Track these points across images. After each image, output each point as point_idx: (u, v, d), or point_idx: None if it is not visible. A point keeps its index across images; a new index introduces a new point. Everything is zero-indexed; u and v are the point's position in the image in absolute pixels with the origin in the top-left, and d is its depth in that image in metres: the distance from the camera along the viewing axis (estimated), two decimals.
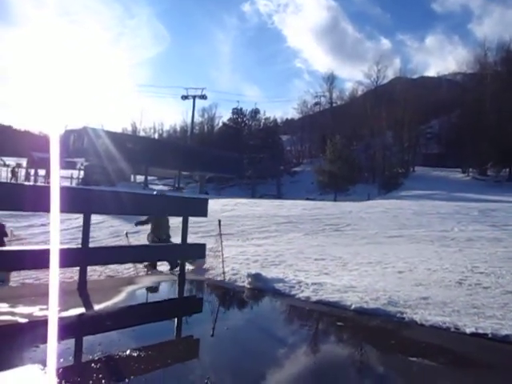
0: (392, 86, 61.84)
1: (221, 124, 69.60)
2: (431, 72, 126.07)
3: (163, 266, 7.98)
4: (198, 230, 12.22)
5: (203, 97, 55.58)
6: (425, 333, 4.19)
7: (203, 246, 6.37)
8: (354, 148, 56.41)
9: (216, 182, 52.94)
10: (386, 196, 37.35)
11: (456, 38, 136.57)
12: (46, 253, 3.81)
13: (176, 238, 8.96)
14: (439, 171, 51.64)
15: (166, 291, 5.99)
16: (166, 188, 44.43)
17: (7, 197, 4.34)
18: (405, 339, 4.16)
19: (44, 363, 2.75)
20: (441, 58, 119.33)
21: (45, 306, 3.82)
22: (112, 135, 38.04)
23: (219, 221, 7.48)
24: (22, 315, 3.73)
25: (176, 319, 4.59)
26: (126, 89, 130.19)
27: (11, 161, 41.45)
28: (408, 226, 14.60)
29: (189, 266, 7.76)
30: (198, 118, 68.51)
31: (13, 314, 3.76)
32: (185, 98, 55.71)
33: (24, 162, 38.99)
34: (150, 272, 7.57)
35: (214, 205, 16.73)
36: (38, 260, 4.15)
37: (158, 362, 3.16)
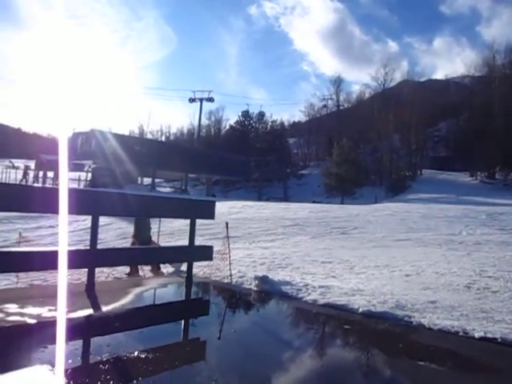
0: (399, 88, 61.68)
1: (228, 127, 69.84)
2: (439, 75, 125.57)
3: (168, 268, 7.99)
4: (205, 233, 12.25)
5: (210, 99, 55.65)
6: (433, 337, 4.16)
7: (210, 248, 6.37)
8: (360, 151, 56.30)
9: (223, 185, 53.03)
10: (393, 199, 37.21)
11: (464, 41, 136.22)
12: (55, 254, 3.83)
13: (183, 241, 8.98)
14: (447, 174, 51.38)
15: (173, 293, 6.00)
16: (170, 190, 44.56)
17: (16, 198, 4.38)
18: (413, 343, 4.13)
19: (52, 364, 2.76)
20: (449, 61, 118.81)
21: (53, 307, 3.84)
22: (119, 138, 38.20)
23: (226, 223, 7.48)
24: (31, 316, 3.75)
25: (183, 321, 4.59)
26: (133, 91, 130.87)
27: (20, 163, 41.78)
28: (415, 230, 14.54)
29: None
30: (204, 121, 68.81)
31: (22, 314, 3.79)
32: (192, 100, 55.80)
33: (32, 164, 39.27)
34: (153, 274, 7.60)
35: (221, 207, 16.76)
36: (47, 261, 4.18)
37: (166, 364, 3.17)
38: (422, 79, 64.11)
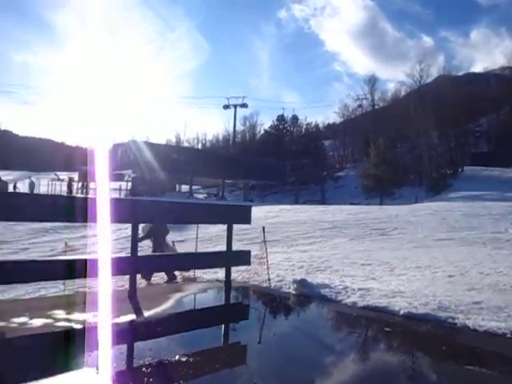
0: (436, 84, 60.14)
1: (262, 131, 70.04)
2: (478, 68, 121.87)
3: (209, 274, 8.07)
4: (243, 238, 12.31)
5: (244, 105, 56.08)
6: (478, 339, 4.04)
7: (248, 252, 6.41)
8: (398, 150, 55.15)
9: (259, 190, 53.19)
10: (433, 198, 36.20)
11: (503, 31, 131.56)
12: (98, 262, 3.98)
13: (221, 246, 9.06)
14: (490, 171, 49.45)
15: (213, 298, 6.08)
16: (204, 196, 45.15)
17: (60, 209, 4.56)
18: (457, 345, 4.02)
19: (99, 367, 2.87)
20: (487, 53, 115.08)
21: (98, 313, 3.98)
22: (157, 147, 39.22)
23: (263, 228, 7.51)
24: (78, 321, 3.90)
25: (223, 326, 4.64)
26: (169, 101, 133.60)
27: (64, 175, 43.29)
28: (458, 229, 14.11)
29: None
30: (239, 127, 69.39)
31: (69, 320, 3.95)
32: (226, 107, 56.41)
33: (76, 175, 40.63)
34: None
35: (258, 212, 16.81)
36: (91, 269, 4.32)
37: (207, 368, 3.22)
38: (460, 73, 62.58)
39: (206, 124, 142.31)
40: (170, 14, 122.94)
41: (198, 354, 3.46)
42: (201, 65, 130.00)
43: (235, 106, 56.01)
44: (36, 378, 2.73)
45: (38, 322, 3.83)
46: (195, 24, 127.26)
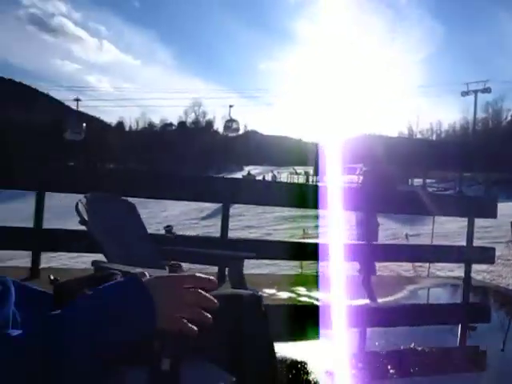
0: None
1: (509, 118, 61.50)
2: None
3: (443, 271, 7.66)
4: (484, 236, 11.20)
5: (486, 90, 50.11)
6: None
7: (492, 249, 5.81)
8: None
9: (505, 184, 46.96)
10: None
11: None
12: (333, 247, 4.27)
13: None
14: None
15: (448, 295, 5.78)
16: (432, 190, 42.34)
17: (299, 196, 5.04)
18: None
19: (334, 342, 3.13)
20: None
21: (334, 294, 4.31)
22: (388, 140, 38.45)
23: (511, 223, 6.73)
24: (316, 299, 4.30)
25: (460, 325, 4.38)
26: (401, 92, 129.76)
27: (301, 169, 46.83)
28: None
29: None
30: (480, 114, 62.30)
31: (309, 296, 4.39)
32: (465, 94, 51.40)
33: (311, 170, 43.46)
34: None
35: (504, 209, 14.97)
36: (327, 253, 4.65)
37: (441, 365, 3.13)
38: None
39: (441, 113, 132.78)
40: (402, 2, 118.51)
41: (432, 350, 3.38)
42: (434, 51, 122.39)
43: (475, 92, 50.53)
44: (282, 340, 3.14)
45: (283, 295, 4.39)
46: (427, 10, 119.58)
